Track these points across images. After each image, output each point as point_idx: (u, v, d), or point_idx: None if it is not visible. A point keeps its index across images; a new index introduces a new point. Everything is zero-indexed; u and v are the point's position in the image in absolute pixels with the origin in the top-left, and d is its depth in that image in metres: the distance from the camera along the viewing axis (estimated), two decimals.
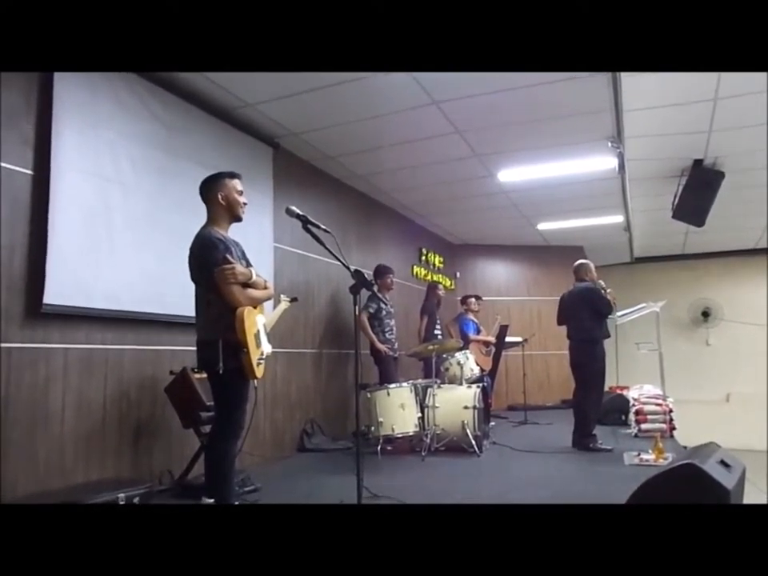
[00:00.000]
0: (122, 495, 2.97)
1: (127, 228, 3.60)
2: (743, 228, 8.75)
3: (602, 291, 5.22)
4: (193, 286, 2.78)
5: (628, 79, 3.98)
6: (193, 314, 2.79)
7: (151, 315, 3.73)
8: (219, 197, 2.77)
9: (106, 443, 3.44)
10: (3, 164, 2.99)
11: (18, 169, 3.07)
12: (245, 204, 2.85)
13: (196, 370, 3.53)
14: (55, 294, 3.13)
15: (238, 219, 2.85)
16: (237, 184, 2.83)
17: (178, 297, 3.71)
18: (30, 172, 3.13)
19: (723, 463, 2.35)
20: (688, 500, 2.14)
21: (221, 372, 2.59)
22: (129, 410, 3.60)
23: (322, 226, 2.74)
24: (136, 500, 3.02)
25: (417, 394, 5.01)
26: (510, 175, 6.06)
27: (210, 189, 2.79)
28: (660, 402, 5.71)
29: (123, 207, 3.58)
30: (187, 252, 2.78)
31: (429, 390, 5.10)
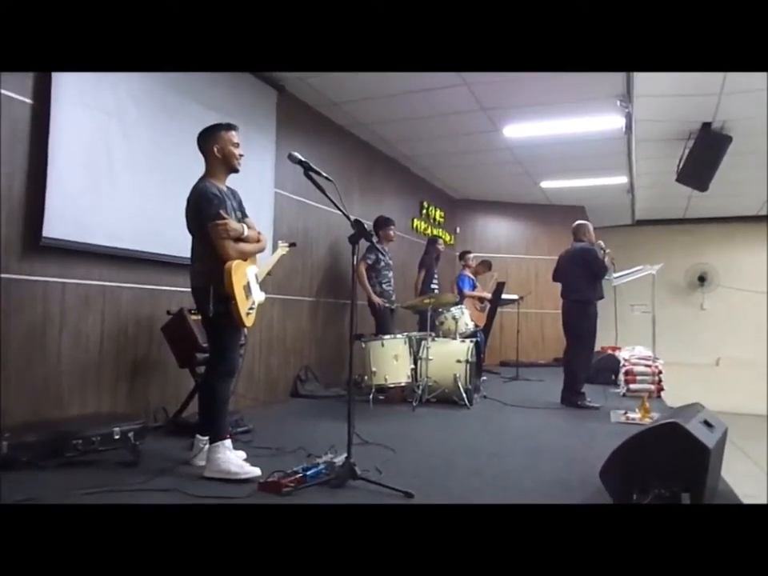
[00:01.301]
0: (116, 429, 3.04)
1: (129, 165, 3.56)
2: (745, 195, 8.69)
3: (599, 253, 5.22)
4: None
5: None
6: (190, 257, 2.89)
7: (151, 255, 3.73)
8: (215, 149, 2.81)
9: (102, 378, 3.50)
10: (2, 91, 2.93)
11: (17, 97, 3.02)
12: (241, 156, 2.89)
13: (193, 312, 3.56)
14: (54, 227, 3.12)
15: (235, 171, 2.90)
16: (233, 136, 2.85)
17: (179, 238, 3.68)
18: (29, 101, 3.08)
19: (706, 423, 2.41)
20: (669, 456, 2.20)
21: (211, 316, 2.72)
22: (125, 347, 3.65)
23: (324, 174, 2.73)
24: (131, 435, 3.09)
25: (411, 346, 5.07)
26: (516, 131, 5.97)
27: (206, 141, 2.84)
28: (650, 363, 5.80)
29: (125, 143, 3.54)
30: (188, 192, 2.82)
31: (423, 342, 5.16)
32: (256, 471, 2.67)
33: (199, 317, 3.17)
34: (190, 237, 2.86)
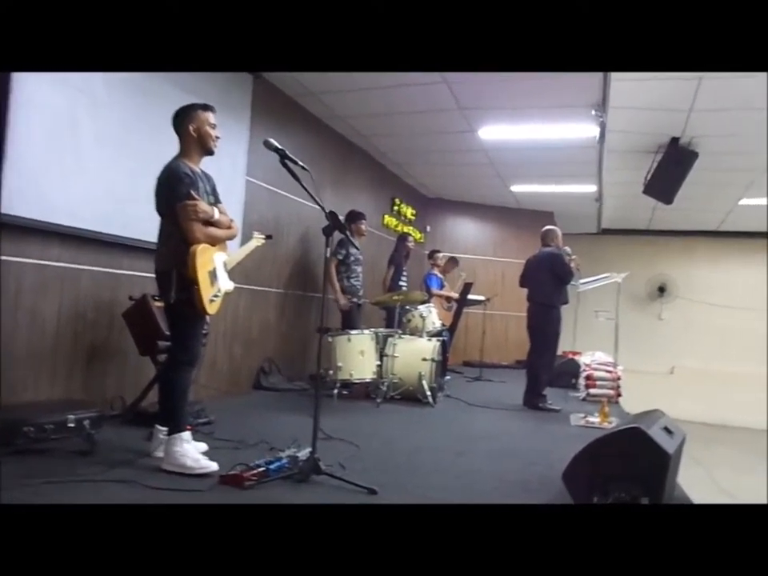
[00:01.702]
0: (71, 417, 2.92)
1: (97, 143, 3.43)
2: (707, 210, 8.95)
3: (566, 258, 5.29)
4: None
5: None
6: (156, 240, 2.79)
7: (115, 237, 3.61)
8: (191, 128, 2.73)
9: (57, 364, 3.37)
10: None
11: None
12: (217, 138, 2.82)
13: (157, 298, 3.47)
14: (13, 204, 2.98)
15: (210, 153, 2.82)
16: (210, 117, 2.78)
17: (145, 221, 3.59)
18: None
19: (666, 429, 2.46)
20: (631, 461, 2.24)
21: (172, 302, 2.64)
22: (84, 333, 3.52)
23: (300, 163, 2.69)
24: (86, 423, 2.97)
25: (377, 343, 5.05)
26: (491, 133, 6.00)
27: (182, 120, 2.75)
28: (610, 369, 5.92)
29: (93, 121, 3.40)
30: (157, 175, 2.73)
31: (390, 339, 5.15)
32: (213, 466, 2.60)
33: (162, 303, 3.08)
34: (157, 220, 2.77)
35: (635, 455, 2.23)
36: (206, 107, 2.78)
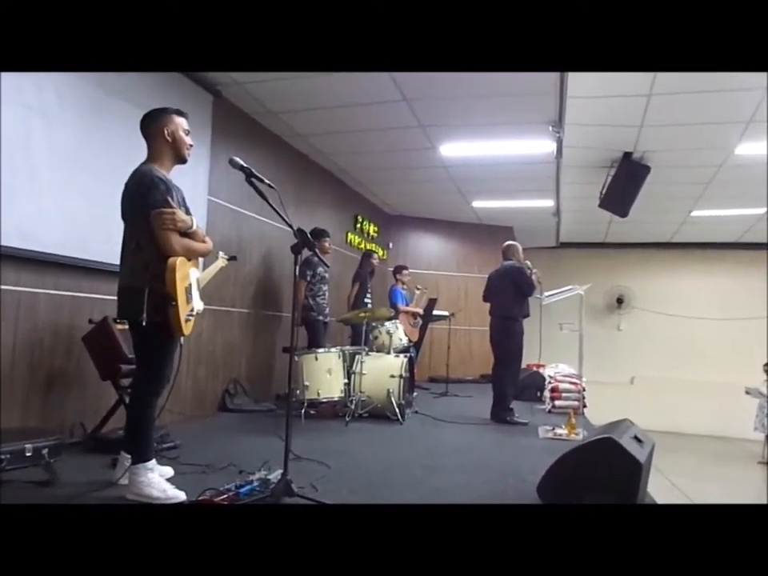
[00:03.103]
0: (28, 446, 2.77)
1: (50, 163, 3.33)
2: (661, 222, 9.26)
3: (526, 271, 5.37)
4: (120, 230, 2.59)
5: None
6: (117, 261, 2.60)
7: (71, 260, 3.50)
8: (165, 132, 2.57)
9: (14, 391, 3.22)
10: None
11: None
12: (191, 146, 2.67)
13: (118, 321, 3.36)
14: None
15: (183, 161, 2.66)
16: (183, 122, 2.65)
17: (102, 243, 3.52)
18: None
19: (636, 439, 2.50)
20: (604, 471, 2.26)
21: (143, 324, 2.41)
22: (41, 358, 3.39)
23: (266, 181, 2.64)
24: (45, 451, 2.84)
25: (344, 360, 5.01)
26: (452, 150, 6.09)
27: (155, 123, 2.58)
28: (575, 380, 6.01)
29: (46, 140, 3.31)
30: (115, 196, 2.59)
31: (357, 356, 5.11)
32: (180, 496, 2.47)
33: (125, 326, 2.93)
34: (115, 242, 2.60)
35: (608, 465, 2.26)
36: (181, 113, 2.64)
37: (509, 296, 5.34)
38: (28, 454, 2.75)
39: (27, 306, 3.30)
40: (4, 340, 3.17)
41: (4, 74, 3.01)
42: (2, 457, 2.65)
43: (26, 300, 3.30)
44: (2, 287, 3.16)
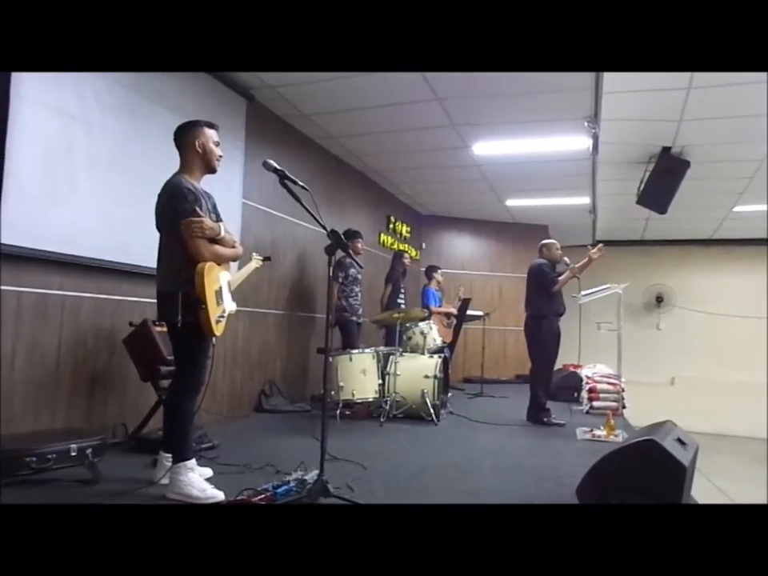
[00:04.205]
0: (73, 446, 2.86)
1: (91, 170, 3.42)
2: (701, 218, 9.00)
3: (546, 267, 5.26)
4: (157, 234, 2.70)
5: None
6: (154, 265, 2.72)
7: (112, 264, 3.58)
8: (196, 144, 2.68)
9: (59, 393, 3.32)
10: None
11: None
12: (220, 156, 2.77)
13: (157, 323, 3.43)
14: (10, 233, 2.95)
15: (213, 171, 2.77)
16: (214, 134, 2.75)
17: (141, 247, 3.59)
18: None
19: (680, 441, 2.43)
20: (646, 474, 2.20)
21: (179, 325, 2.54)
22: (84, 360, 3.48)
23: (300, 183, 2.67)
24: (89, 451, 2.92)
25: (378, 361, 5.01)
26: (485, 148, 6.03)
27: (187, 135, 2.70)
28: (614, 381, 5.88)
29: (87, 148, 3.40)
30: (153, 201, 2.69)
31: (391, 357, 5.11)
32: (219, 495, 2.53)
33: (164, 328, 3.02)
34: (153, 246, 2.71)
35: (650, 468, 2.20)
36: (211, 125, 2.74)
37: (534, 294, 5.28)
38: (73, 454, 2.84)
39: (71, 310, 3.39)
40: (49, 344, 3.27)
41: (45, 80, 3.12)
42: (49, 456, 2.75)
43: (70, 304, 3.39)
44: (48, 291, 3.26)
